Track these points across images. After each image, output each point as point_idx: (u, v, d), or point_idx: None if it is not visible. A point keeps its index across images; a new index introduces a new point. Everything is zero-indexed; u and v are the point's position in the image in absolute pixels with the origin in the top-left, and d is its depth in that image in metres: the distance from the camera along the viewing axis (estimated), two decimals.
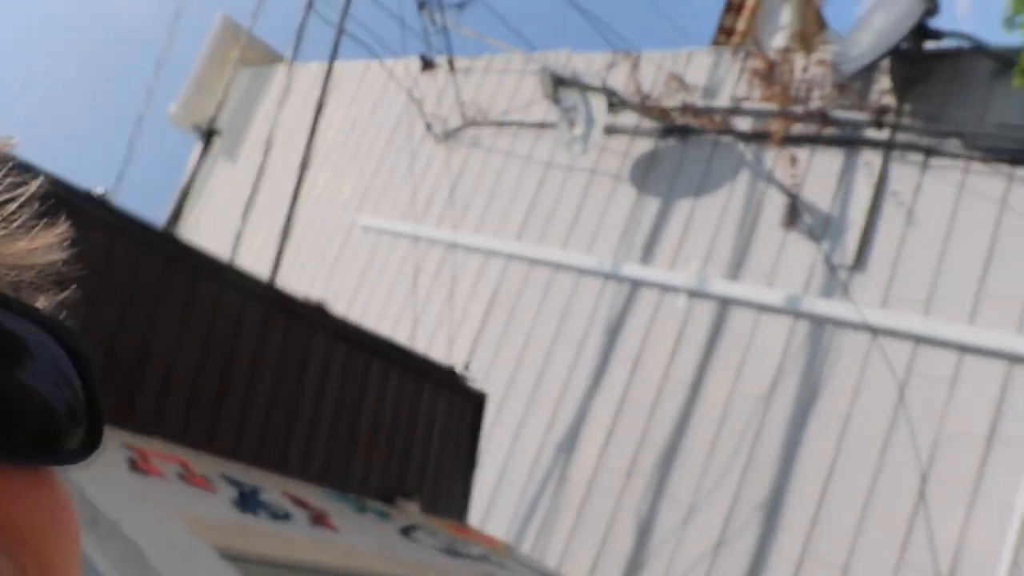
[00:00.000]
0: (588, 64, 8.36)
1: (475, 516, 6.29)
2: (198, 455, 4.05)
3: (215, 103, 7.51)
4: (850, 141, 6.52)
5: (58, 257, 0.48)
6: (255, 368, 4.64)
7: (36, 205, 0.48)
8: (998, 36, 5.45)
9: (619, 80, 7.92)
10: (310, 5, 7.50)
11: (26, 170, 0.49)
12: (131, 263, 4.04)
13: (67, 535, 0.41)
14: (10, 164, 0.48)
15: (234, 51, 9.99)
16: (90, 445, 0.42)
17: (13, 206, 0.47)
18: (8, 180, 0.47)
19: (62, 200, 0.48)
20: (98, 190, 4.12)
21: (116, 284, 3.93)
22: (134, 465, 3.21)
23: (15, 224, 0.46)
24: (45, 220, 0.48)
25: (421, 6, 8.89)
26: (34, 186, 0.48)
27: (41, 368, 0.41)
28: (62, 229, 0.48)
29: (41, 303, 0.46)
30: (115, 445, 3.33)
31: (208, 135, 6.85)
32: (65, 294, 0.48)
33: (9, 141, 0.47)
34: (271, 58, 12.17)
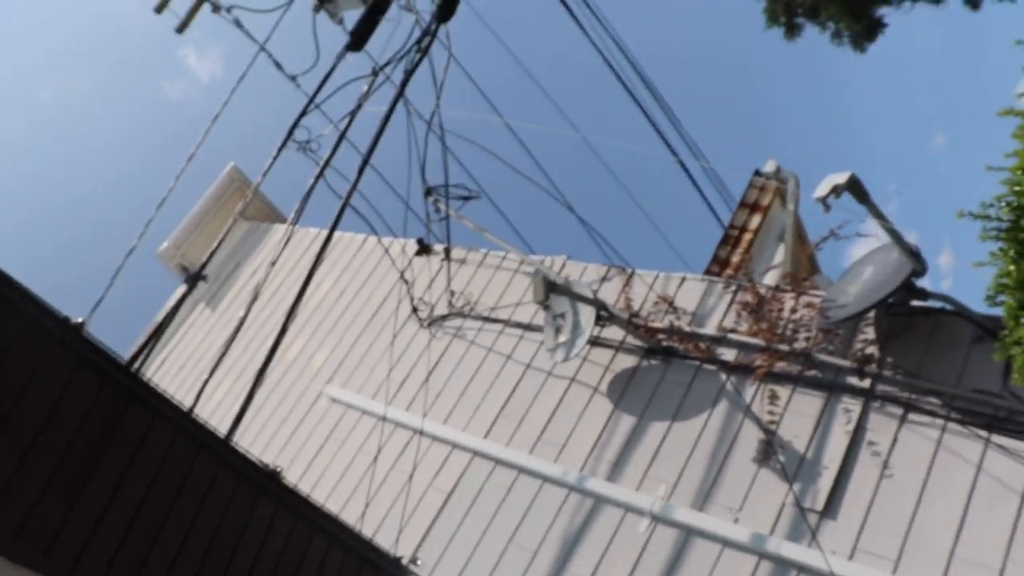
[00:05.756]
0: (581, 274, 8.44)
1: None
2: None
3: (206, 249, 7.48)
4: (831, 386, 6.48)
5: None
6: (192, 526, 4.38)
7: None
8: (980, 305, 5.57)
9: (610, 294, 7.97)
10: (320, 175, 7.60)
11: None
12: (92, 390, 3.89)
13: None
14: None
15: (237, 203, 10.09)
16: None
17: None
18: None
19: None
20: (76, 320, 4.02)
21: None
22: None
23: None
24: None
25: (427, 193, 9.06)
26: None
27: None
28: None
29: None
30: None
31: (194, 279, 6.78)
32: None
33: None
34: (272, 216, 12.26)
